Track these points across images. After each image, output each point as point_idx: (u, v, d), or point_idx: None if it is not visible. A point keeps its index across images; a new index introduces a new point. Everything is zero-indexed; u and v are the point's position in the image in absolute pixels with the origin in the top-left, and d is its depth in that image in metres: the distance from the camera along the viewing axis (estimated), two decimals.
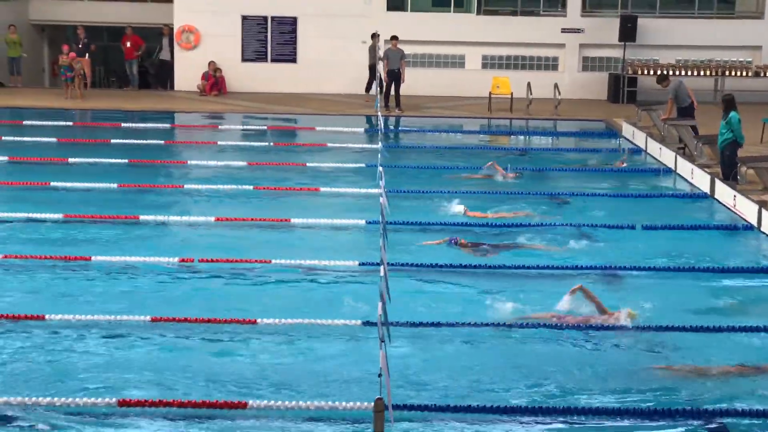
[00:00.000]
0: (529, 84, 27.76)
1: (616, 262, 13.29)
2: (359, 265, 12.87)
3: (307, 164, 19.96)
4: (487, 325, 10.87)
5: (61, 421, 8.48)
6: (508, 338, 10.68)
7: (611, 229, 15.04)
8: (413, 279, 12.59)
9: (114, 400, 8.70)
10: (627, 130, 23.84)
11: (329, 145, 22.18)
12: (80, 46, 29.63)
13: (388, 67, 27.13)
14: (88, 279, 12.37)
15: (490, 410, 8.79)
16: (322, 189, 17.46)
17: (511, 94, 28.05)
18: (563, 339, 10.64)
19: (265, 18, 30.49)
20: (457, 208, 16.11)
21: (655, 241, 14.63)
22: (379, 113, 22.12)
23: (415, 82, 28.60)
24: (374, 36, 25.97)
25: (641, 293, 12.02)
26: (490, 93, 28.14)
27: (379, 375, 6.44)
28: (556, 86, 27.55)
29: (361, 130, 24.17)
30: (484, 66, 31.02)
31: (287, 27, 30.48)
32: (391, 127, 25.91)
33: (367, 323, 10.69)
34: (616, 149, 22.70)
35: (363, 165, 19.75)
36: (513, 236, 14.58)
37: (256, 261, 12.96)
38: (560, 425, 8.70)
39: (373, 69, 27.37)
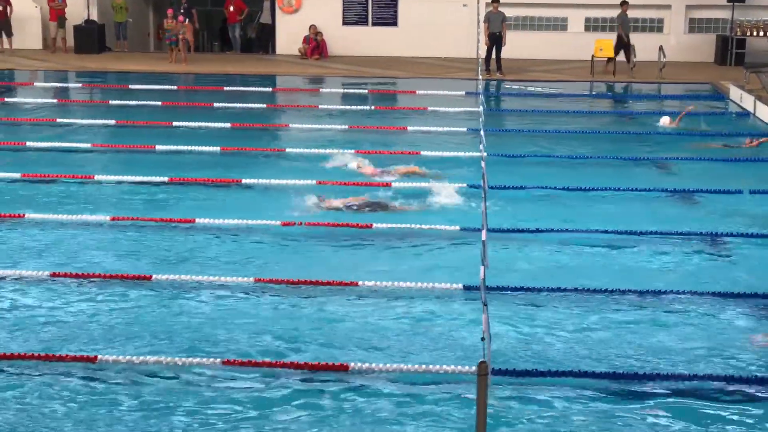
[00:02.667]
0: (633, 46, 27.29)
1: (721, 229, 13.03)
2: (460, 229, 12.84)
3: (408, 128, 19.94)
4: (589, 291, 10.77)
5: (167, 381, 8.65)
6: (613, 305, 10.56)
7: (716, 194, 14.76)
8: (514, 243, 12.52)
9: (219, 360, 8.85)
10: (734, 93, 23.30)
11: (430, 108, 22.12)
12: (182, 11, 29.96)
13: (489, 30, 26.93)
14: (192, 241, 12.56)
15: (592, 376, 8.72)
16: (423, 153, 17.42)
17: (615, 56, 27.62)
18: (677, 311, 10.48)
19: None
20: (351, 164, 16.23)
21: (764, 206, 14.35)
22: (480, 76, 21.99)
23: (516, 45, 28.32)
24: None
25: (748, 260, 11.81)
26: (592, 56, 27.74)
27: (482, 339, 6.43)
28: (661, 48, 27.04)
29: (462, 93, 24.04)
30: (587, 28, 30.58)
31: None
32: (492, 91, 25.73)
33: (468, 287, 10.68)
34: (724, 112, 22.23)
35: (464, 129, 19.66)
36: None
37: (357, 225, 13.01)
38: (664, 390, 8.58)
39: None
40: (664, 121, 16.51)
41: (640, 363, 9.14)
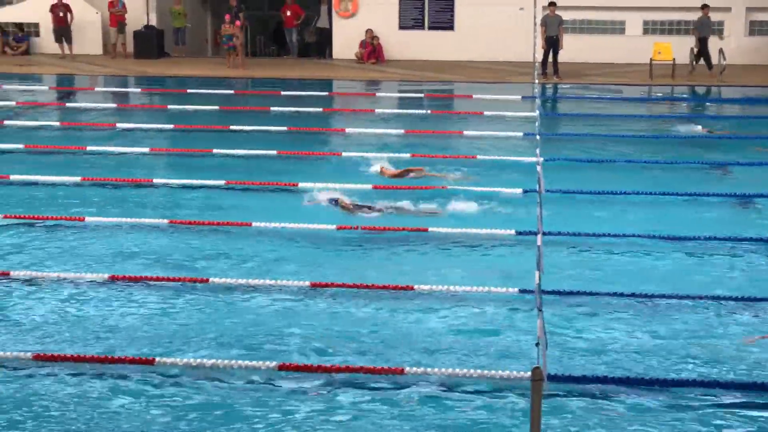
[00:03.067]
0: (692, 49, 27.05)
1: None
2: (516, 233, 12.80)
3: (464, 132, 19.91)
4: (646, 296, 10.68)
5: (224, 384, 8.71)
6: (671, 310, 10.47)
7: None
8: (570, 248, 12.46)
9: (274, 364, 8.89)
10: None
11: (486, 113, 22.06)
12: (238, 15, 30.19)
13: (546, 34, 26.84)
14: (249, 244, 12.64)
15: (649, 382, 8.65)
16: (479, 157, 17.39)
17: (673, 60, 27.38)
18: (738, 317, 10.37)
19: None
20: (373, 167, 16.24)
21: None
22: (537, 80, 21.91)
23: (573, 48, 28.18)
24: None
25: None
26: (651, 59, 27.53)
27: (537, 344, 6.40)
28: (720, 51, 26.76)
29: (519, 97, 23.96)
30: (645, 31, 30.34)
31: None
32: (549, 95, 25.61)
33: (523, 291, 10.65)
34: None
35: (520, 133, 19.60)
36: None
37: (412, 229, 13.02)
38: (732, 399, 8.49)
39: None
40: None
41: (699, 369, 9.05)
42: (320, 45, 32.19)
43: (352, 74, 28.26)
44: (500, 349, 9.47)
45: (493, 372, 8.69)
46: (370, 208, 14.13)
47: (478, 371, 8.70)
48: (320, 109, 22.81)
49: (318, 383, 8.71)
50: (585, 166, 16.97)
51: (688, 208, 14.41)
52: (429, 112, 22.60)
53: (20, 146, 18.08)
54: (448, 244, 12.67)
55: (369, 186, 15.15)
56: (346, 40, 30.68)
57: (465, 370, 8.72)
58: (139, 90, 26.18)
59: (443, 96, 25.82)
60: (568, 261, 12.01)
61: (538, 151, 13.18)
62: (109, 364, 8.95)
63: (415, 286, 10.88)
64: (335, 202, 14.26)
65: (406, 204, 14.33)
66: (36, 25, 31.27)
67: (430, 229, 12.96)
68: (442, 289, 10.84)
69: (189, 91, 24.71)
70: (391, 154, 17.39)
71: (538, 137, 13.98)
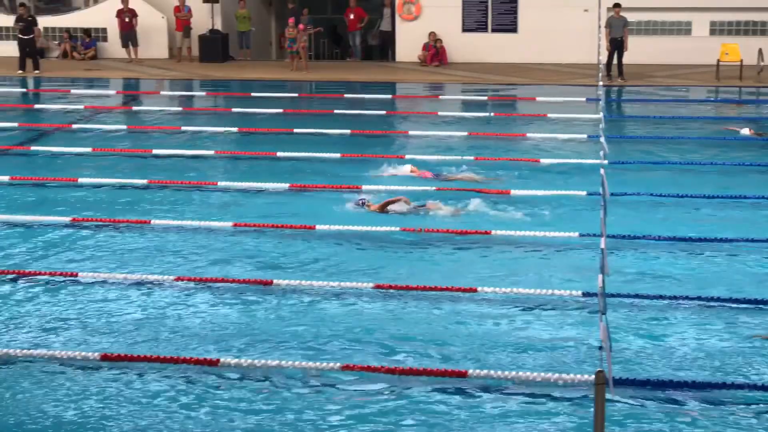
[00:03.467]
0: (760, 50, 26.69)
1: None
2: (579, 236, 12.74)
3: (528, 135, 19.84)
4: (710, 299, 10.58)
5: (287, 385, 8.77)
6: (735, 314, 10.35)
7: None
8: (633, 250, 12.37)
9: (338, 365, 8.94)
10: None
11: (549, 115, 21.96)
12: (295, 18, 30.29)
13: (611, 36, 26.64)
14: (312, 247, 12.71)
15: (713, 386, 8.56)
16: (542, 161, 17.33)
17: (741, 61, 27.03)
18: None
19: None
20: (404, 168, 16.30)
21: None
22: (601, 83, 21.75)
23: (638, 50, 27.94)
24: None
25: None
26: (718, 60, 27.20)
27: (600, 347, 6.38)
28: (760, 52, 26.37)
29: (583, 100, 23.80)
30: (712, 32, 29.95)
31: None
32: (614, 97, 25.43)
33: (587, 294, 10.60)
34: None
35: (584, 136, 19.49)
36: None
37: (476, 232, 13.01)
38: None
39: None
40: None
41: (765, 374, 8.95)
42: (383, 48, 32.25)
43: (414, 77, 28.28)
44: (563, 352, 9.43)
45: (556, 375, 8.66)
46: (396, 207, 14.17)
47: (542, 374, 8.68)
48: (383, 112, 22.85)
49: (382, 385, 8.74)
50: (649, 168, 16.83)
51: (756, 211, 14.23)
52: (492, 114, 22.53)
53: (88, 149, 18.34)
54: (511, 246, 12.64)
55: (432, 188, 15.17)
56: (409, 43, 30.69)
57: (528, 373, 8.70)
58: (204, 93, 26.43)
59: (506, 98, 25.73)
60: (631, 264, 11.93)
61: (602, 153, 13.10)
62: (174, 364, 9.06)
63: (478, 288, 10.88)
64: (362, 203, 14.32)
65: (432, 204, 14.34)
66: (103, 30, 31.68)
67: (493, 232, 12.93)
68: (505, 291, 10.82)
69: (253, 94, 24.88)
70: (454, 157, 17.42)
71: (602, 140, 13.88)
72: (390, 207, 14.11)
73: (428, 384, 8.73)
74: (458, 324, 10.18)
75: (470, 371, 8.79)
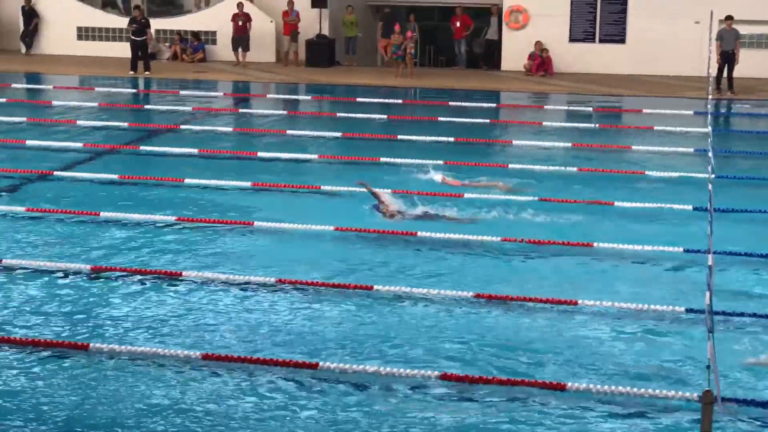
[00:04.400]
0: None
1: None
2: (684, 251, 12.53)
3: (633, 147, 19.58)
4: None
5: (385, 390, 8.78)
6: None
7: None
8: (741, 268, 12.12)
9: (436, 373, 8.93)
10: None
11: (656, 128, 21.64)
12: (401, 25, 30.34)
13: (721, 48, 26.16)
14: (413, 253, 12.72)
15: None
16: (648, 173, 17.08)
17: None
18: None
19: None
20: (436, 176, 16.17)
21: None
22: (710, 96, 21.37)
23: (749, 63, 27.37)
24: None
25: None
26: None
27: (707, 366, 6.25)
28: None
29: (691, 113, 23.42)
30: None
31: (617, 6, 29.95)
32: (723, 111, 24.96)
33: (690, 310, 10.41)
34: None
35: (691, 149, 19.17)
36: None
37: (577, 244, 12.88)
38: None
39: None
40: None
41: None
42: (488, 56, 32.13)
43: (519, 86, 28.13)
44: (667, 369, 9.28)
45: (659, 392, 8.51)
46: (411, 213, 14.22)
47: (643, 390, 8.54)
48: (487, 121, 22.78)
49: (480, 395, 8.70)
50: (758, 184, 16.47)
51: None
52: (597, 126, 22.29)
53: (194, 150, 18.63)
54: (612, 259, 12.49)
55: (535, 198, 15.08)
56: (514, 52, 30.54)
57: (629, 389, 8.56)
58: (309, 98, 26.66)
59: (612, 110, 25.42)
60: (738, 281, 11.68)
61: (709, 167, 12.86)
62: (275, 366, 9.13)
63: (579, 301, 10.77)
64: (377, 208, 14.29)
65: (448, 211, 14.34)
66: (213, 34, 32.18)
67: (595, 244, 12.79)
68: (606, 305, 10.69)
69: (358, 99, 25.02)
70: (560, 168, 17.29)
71: (710, 154, 13.64)
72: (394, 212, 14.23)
73: (526, 395, 8.66)
74: (557, 336, 10.08)
75: (569, 384, 8.70)
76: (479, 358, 9.53)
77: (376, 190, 14.42)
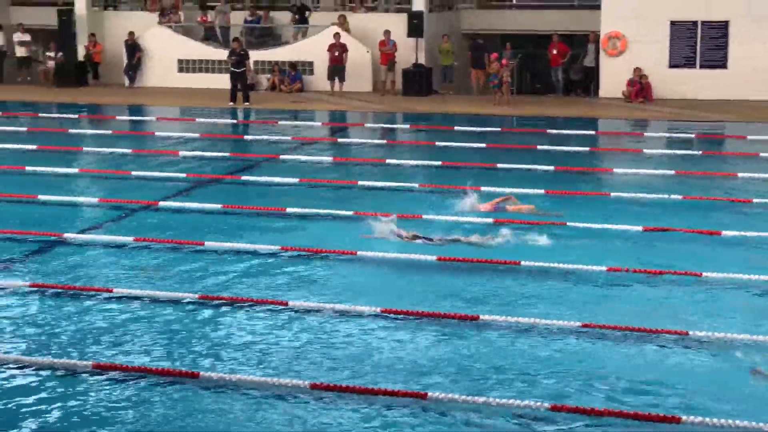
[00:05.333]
0: None
1: None
2: None
3: (738, 174, 19.21)
4: None
5: (494, 421, 8.71)
6: None
7: None
8: None
9: (547, 404, 8.83)
10: None
11: (762, 154, 21.22)
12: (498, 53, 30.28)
13: None
14: (518, 283, 12.63)
15: None
16: (755, 200, 16.75)
17: None
18: None
19: (694, 23, 29.69)
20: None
21: None
22: None
23: None
24: None
25: None
26: None
27: None
28: None
29: None
30: None
31: (718, 31, 29.51)
32: None
33: None
34: None
35: None
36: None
37: (684, 273, 12.67)
38: None
39: None
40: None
41: None
42: (586, 83, 31.90)
43: (618, 113, 27.84)
44: None
45: None
46: (429, 239, 14.26)
47: (761, 425, 8.33)
48: (586, 148, 22.59)
49: (585, 425, 8.58)
50: None
51: None
52: (700, 153, 21.95)
53: (295, 180, 18.78)
54: (722, 287, 12.26)
55: (639, 228, 14.87)
56: (612, 79, 30.25)
57: (747, 423, 8.36)
58: (407, 126, 26.73)
59: (715, 136, 25.03)
60: None
61: None
62: (376, 395, 9.11)
63: (690, 332, 10.57)
64: (395, 234, 14.31)
65: (464, 236, 14.39)
66: (310, 64, 32.50)
67: (704, 274, 12.56)
68: (719, 336, 10.47)
69: (456, 128, 25.01)
70: (663, 196, 17.05)
71: None
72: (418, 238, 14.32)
73: (638, 428, 8.51)
74: (671, 368, 9.90)
75: (683, 417, 8.53)
76: (591, 389, 9.39)
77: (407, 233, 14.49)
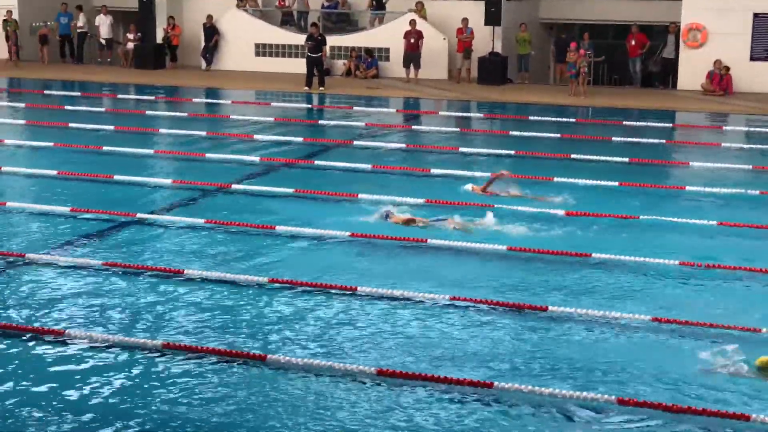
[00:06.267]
0: None
1: None
2: None
3: None
4: None
5: (556, 413, 8.65)
6: None
7: None
8: None
9: (613, 398, 8.75)
10: None
11: None
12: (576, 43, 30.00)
13: None
14: (587, 274, 12.51)
15: None
16: None
17: None
18: None
19: None
20: (467, 186, 16.67)
21: None
22: None
23: None
24: None
25: None
26: None
27: None
28: None
29: None
30: None
31: None
32: None
33: None
34: None
35: None
36: None
37: (759, 270, 12.47)
38: None
39: None
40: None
41: None
42: (664, 75, 31.47)
43: (697, 106, 27.44)
44: None
45: None
46: (420, 220, 14.49)
47: None
48: (663, 141, 22.29)
49: (655, 422, 8.48)
50: None
51: None
52: None
53: (367, 166, 18.80)
54: None
55: (714, 223, 14.66)
56: (692, 71, 29.82)
57: None
58: (481, 115, 26.61)
59: None
60: None
61: None
62: (441, 383, 9.10)
63: (763, 329, 10.40)
64: (386, 216, 14.43)
65: (456, 219, 14.50)
66: (386, 50, 32.49)
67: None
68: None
69: (531, 118, 24.83)
70: (741, 190, 16.75)
71: None
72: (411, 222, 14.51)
73: (706, 425, 8.40)
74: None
75: (753, 416, 8.39)
76: (657, 383, 9.28)
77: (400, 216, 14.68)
